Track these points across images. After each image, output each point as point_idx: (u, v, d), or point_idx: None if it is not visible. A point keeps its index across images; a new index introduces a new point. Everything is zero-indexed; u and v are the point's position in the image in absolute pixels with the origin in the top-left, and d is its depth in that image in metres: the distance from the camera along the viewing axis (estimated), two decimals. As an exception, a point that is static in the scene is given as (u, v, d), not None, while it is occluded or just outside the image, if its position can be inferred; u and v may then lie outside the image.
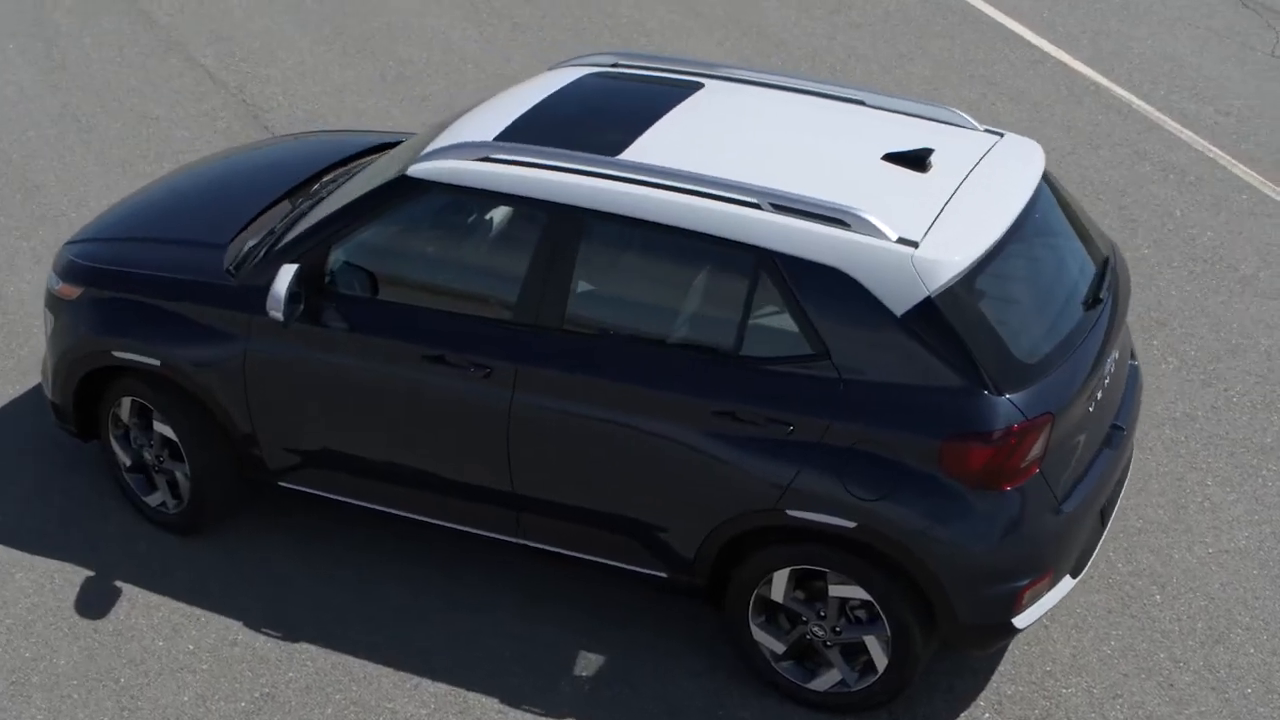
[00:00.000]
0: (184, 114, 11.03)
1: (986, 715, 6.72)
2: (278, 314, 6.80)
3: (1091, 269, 6.80)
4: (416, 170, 6.83)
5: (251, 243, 7.41)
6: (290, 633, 7.13)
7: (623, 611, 7.21)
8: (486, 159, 6.74)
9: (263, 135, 10.77)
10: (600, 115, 7.01)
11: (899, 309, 6.19)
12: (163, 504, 7.66)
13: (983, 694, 6.81)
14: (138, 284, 7.34)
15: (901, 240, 6.25)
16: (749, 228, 6.36)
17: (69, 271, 7.59)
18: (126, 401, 7.52)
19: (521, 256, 6.68)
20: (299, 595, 7.32)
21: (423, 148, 7.02)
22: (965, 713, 6.72)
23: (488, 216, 6.82)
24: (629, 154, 6.68)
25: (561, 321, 6.61)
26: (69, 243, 7.80)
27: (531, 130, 6.92)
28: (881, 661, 6.52)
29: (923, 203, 6.45)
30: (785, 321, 6.33)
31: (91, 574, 7.44)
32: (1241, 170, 10.44)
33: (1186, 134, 10.83)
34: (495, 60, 11.78)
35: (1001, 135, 7.04)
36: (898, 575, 6.38)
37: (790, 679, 6.72)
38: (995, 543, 6.21)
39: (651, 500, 6.60)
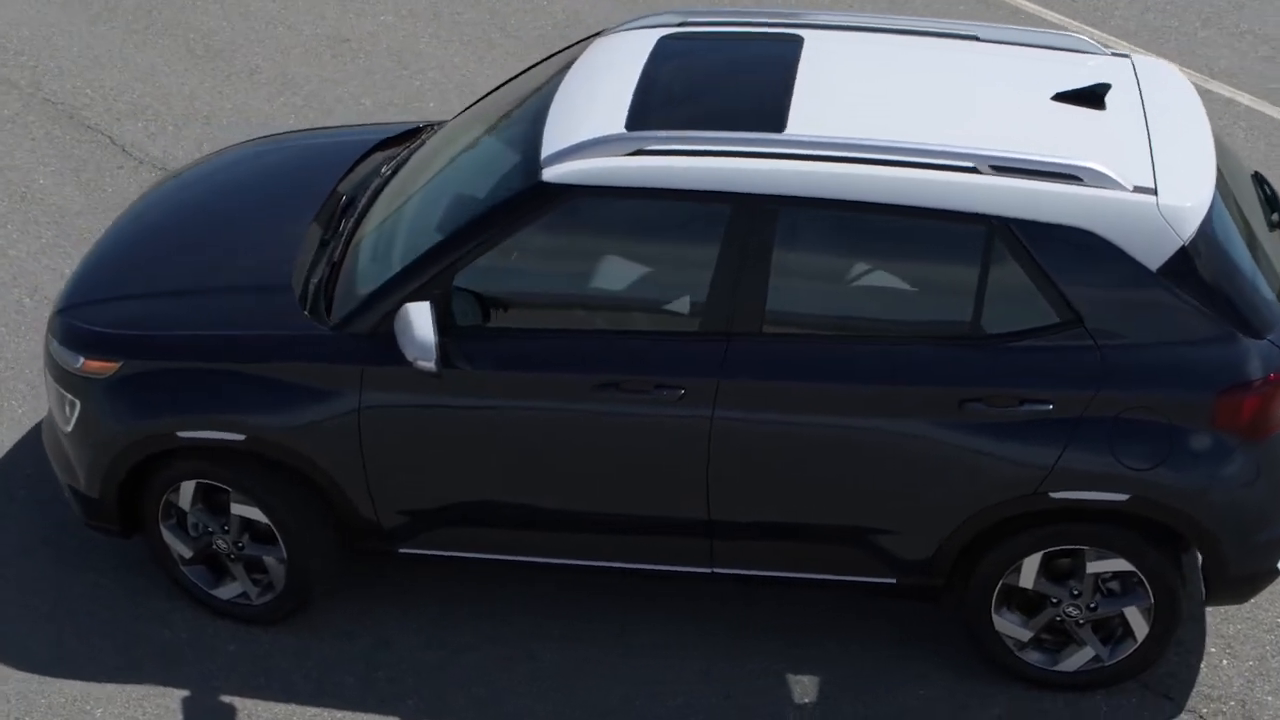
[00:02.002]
0: (-14, 124, 9.52)
1: (1224, 661, 6.46)
2: (429, 364, 5.84)
3: (1253, 189, 6.52)
4: (554, 174, 5.94)
5: (314, 279, 6.37)
6: None
7: (809, 627, 6.59)
8: (640, 152, 5.93)
9: (90, 135, 9.38)
10: (722, 86, 6.24)
11: (1154, 263, 5.76)
12: (242, 595, 6.56)
13: (1209, 640, 6.54)
14: (200, 348, 6.19)
15: (1138, 189, 5.81)
16: (976, 195, 5.78)
17: (89, 342, 6.34)
18: (188, 485, 6.37)
19: (701, 258, 5.91)
20: (442, 672, 6.39)
21: (530, 149, 6.11)
22: (1204, 663, 6.44)
23: (646, 217, 5.96)
24: (795, 128, 5.98)
25: (761, 325, 5.91)
26: (64, 309, 6.54)
27: (659, 112, 6.11)
28: (1142, 631, 6.15)
29: (1126, 144, 6.01)
30: (1028, 292, 5.80)
31: (186, 693, 6.32)
32: (1129, 49, 10.38)
33: (1055, 16, 10.69)
34: (306, 19, 10.61)
35: (1128, 57, 6.66)
36: (1164, 541, 6.02)
37: (1037, 665, 6.29)
38: (1267, 490, 5.93)
39: (883, 504, 6.01)
